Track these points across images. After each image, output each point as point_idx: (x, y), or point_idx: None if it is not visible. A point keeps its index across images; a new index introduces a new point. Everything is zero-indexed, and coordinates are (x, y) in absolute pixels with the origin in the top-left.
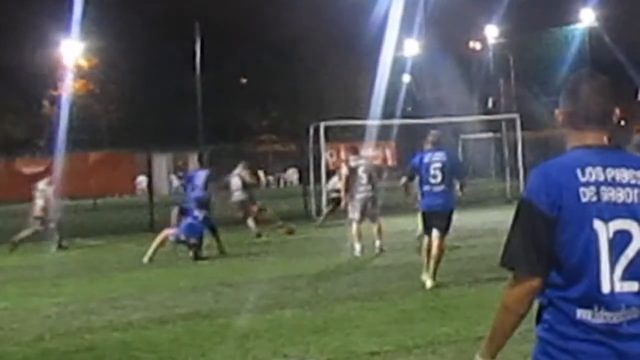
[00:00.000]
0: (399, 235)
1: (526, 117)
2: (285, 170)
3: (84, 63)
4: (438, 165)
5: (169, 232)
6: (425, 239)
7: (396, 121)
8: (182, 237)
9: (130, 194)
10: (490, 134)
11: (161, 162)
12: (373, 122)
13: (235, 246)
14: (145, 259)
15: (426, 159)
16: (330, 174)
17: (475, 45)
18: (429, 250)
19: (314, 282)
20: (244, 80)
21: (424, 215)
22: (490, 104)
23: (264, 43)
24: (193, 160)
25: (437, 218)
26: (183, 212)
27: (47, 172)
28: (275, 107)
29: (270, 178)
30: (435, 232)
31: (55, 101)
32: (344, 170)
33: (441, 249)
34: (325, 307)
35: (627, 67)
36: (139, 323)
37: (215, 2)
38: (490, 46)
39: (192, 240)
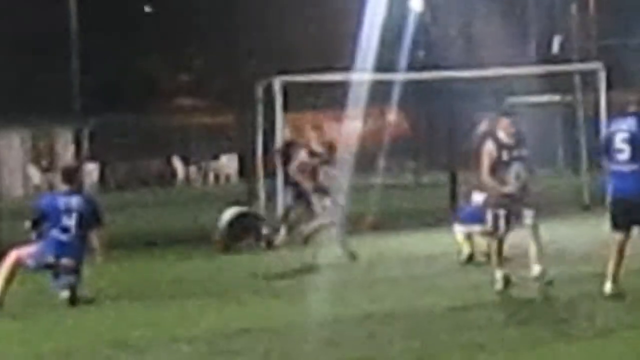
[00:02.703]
0: (409, 263)
1: (615, 68)
2: (217, 156)
3: None
4: (625, 135)
5: (19, 253)
6: (616, 236)
7: (399, 75)
8: (50, 259)
9: None
10: (557, 97)
11: (12, 145)
12: (361, 76)
13: (137, 281)
14: None
15: (613, 127)
16: (289, 160)
17: None
18: (620, 252)
19: (264, 342)
20: (148, 9)
21: (611, 205)
22: (555, 47)
23: None
24: (64, 142)
25: (628, 209)
26: (37, 224)
27: None
28: (201, 53)
29: (193, 169)
30: (633, 230)
31: None
32: (489, 149)
33: None
34: None
35: None
36: None
37: None
38: None
39: (66, 263)
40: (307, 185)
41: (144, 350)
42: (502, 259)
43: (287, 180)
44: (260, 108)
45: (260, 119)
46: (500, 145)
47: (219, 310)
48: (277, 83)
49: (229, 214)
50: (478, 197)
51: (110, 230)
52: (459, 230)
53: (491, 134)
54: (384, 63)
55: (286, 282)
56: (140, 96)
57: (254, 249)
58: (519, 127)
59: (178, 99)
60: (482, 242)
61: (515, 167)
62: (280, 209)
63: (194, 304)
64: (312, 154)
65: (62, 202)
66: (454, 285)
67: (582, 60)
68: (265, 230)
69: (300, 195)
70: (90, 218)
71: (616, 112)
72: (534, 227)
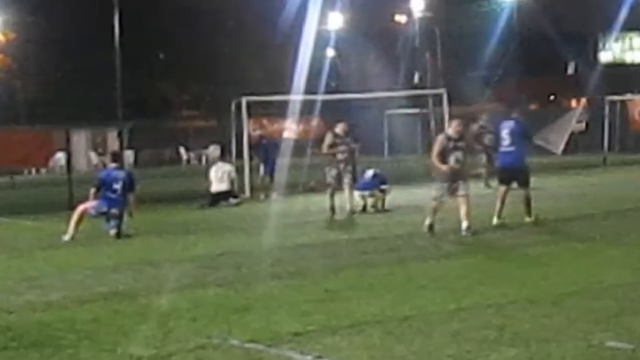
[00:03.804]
0: (323, 212)
1: (453, 92)
2: (206, 146)
3: (1, 37)
4: (508, 130)
5: (85, 206)
6: (501, 188)
7: (320, 96)
8: (104, 209)
9: (44, 168)
10: (417, 110)
11: (80, 139)
12: (296, 97)
13: (156, 224)
14: (67, 237)
15: (501, 126)
16: (252, 149)
17: (401, 18)
18: (503, 198)
19: (236, 261)
20: (162, 55)
21: (499, 171)
22: (416, 78)
23: (180, 18)
24: (112, 137)
25: (509, 172)
26: (98, 189)
27: None
28: (196, 82)
29: (192, 154)
30: (513, 184)
31: None
32: (440, 139)
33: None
34: (247, 286)
35: (556, 41)
36: (58, 303)
37: None
38: (417, 20)
39: (114, 211)
40: (329, 158)
41: (161, 265)
42: (435, 213)
43: (267, 159)
44: (233, 116)
45: (233, 123)
46: (448, 138)
47: (207, 242)
48: (244, 101)
49: (215, 187)
50: (368, 173)
51: (140, 193)
52: (357, 193)
53: (444, 131)
54: (310, 88)
55: (249, 224)
56: (159, 108)
57: (227, 207)
58: (463, 127)
59: (182, 110)
60: (370, 201)
61: (456, 154)
62: (247, 180)
63: (191, 237)
64: (335, 135)
65: (112, 174)
66: (353, 225)
67: (432, 87)
68: (231, 200)
69: (272, 171)
70: (129, 184)
71: (503, 117)
72: (466, 196)
